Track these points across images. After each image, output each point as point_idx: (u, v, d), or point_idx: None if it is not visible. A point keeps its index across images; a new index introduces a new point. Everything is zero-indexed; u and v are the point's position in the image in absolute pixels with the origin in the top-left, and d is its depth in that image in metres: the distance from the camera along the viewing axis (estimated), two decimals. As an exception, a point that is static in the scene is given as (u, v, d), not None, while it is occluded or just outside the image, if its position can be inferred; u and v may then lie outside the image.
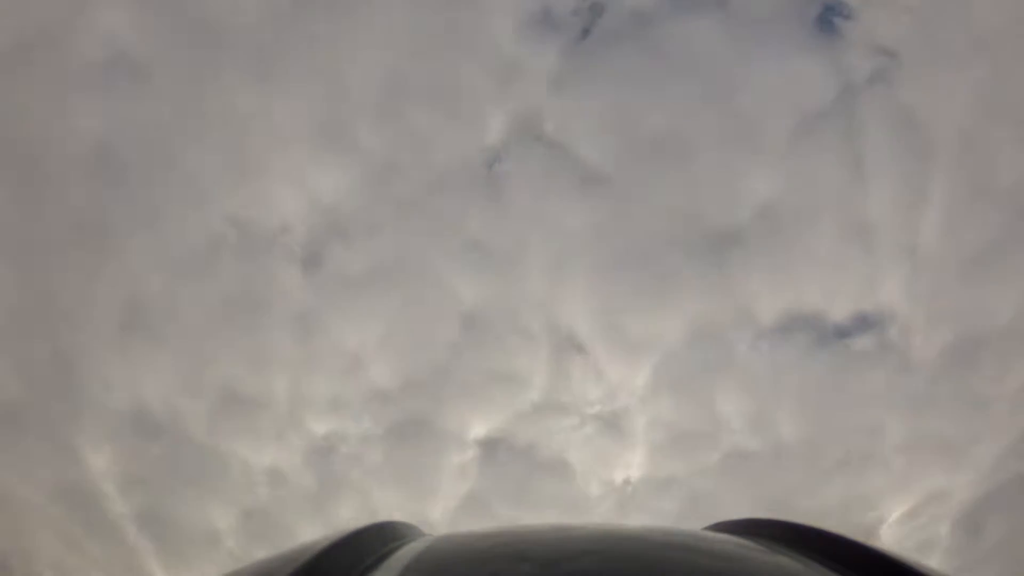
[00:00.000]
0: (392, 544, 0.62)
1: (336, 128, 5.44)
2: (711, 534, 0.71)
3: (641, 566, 0.56)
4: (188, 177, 5.39)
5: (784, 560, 0.58)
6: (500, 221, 6.71)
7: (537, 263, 7.38)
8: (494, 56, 5.38)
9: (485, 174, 5.92)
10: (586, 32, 5.37)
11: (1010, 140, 9.71)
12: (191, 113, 5.24)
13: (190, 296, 6.17)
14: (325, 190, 5.72)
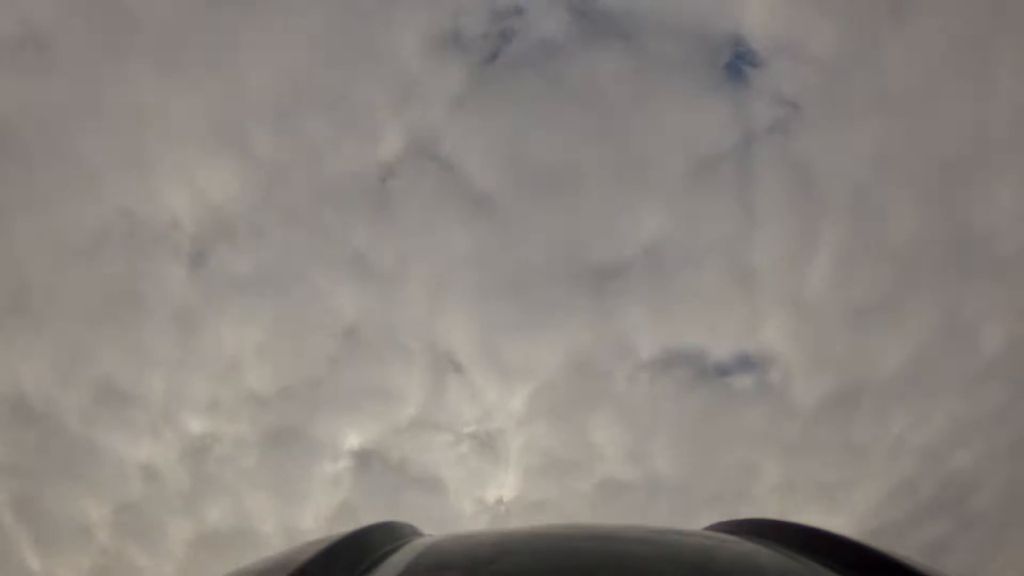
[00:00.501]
0: (392, 544, 0.62)
1: (232, 129, 5.35)
2: (711, 534, 0.72)
3: (642, 566, 0.58)
4: (82, 164, 5.27)
5: (784, 560, 0.59)
6: (387, 237, 6.67)
7: (421, 281, 7.33)
8: (397, 72, 5.34)
9: (377, 188, 5.87)
10: (493, 57, 5.34)
11: (902, 199, 9.93)
12: (91, 100, 5.14)
13: (74, 284, 6.03)
14: (216, 190, 5.62)
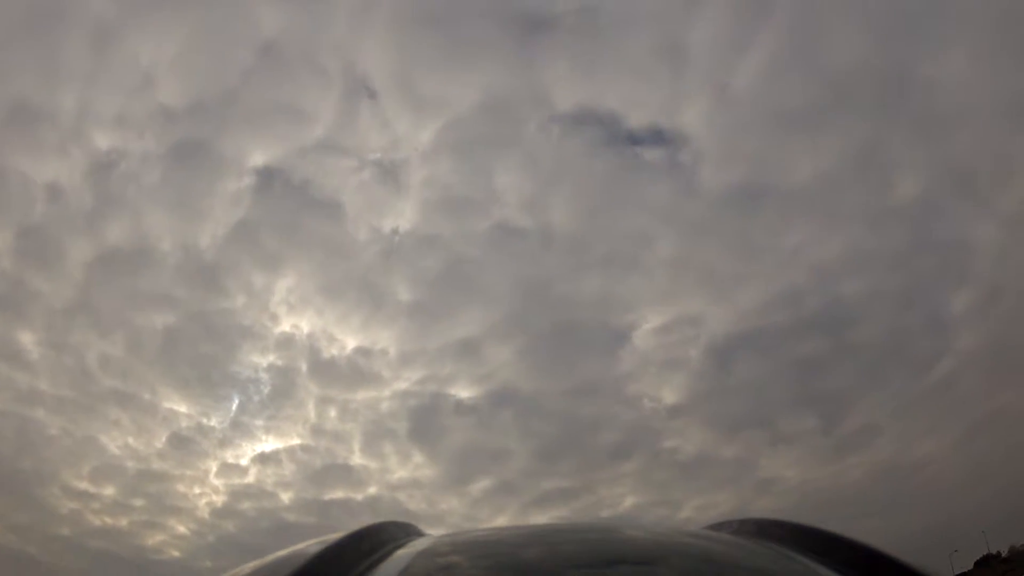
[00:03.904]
0: (392, 544, 0.61)
1: None
2: (711, 534, 0.70)
3: (642, 565, 0.56)
4: None
5: (784, 560, 0.58)
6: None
7: (346, 1, 6.99)
8: None
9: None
10: None
11: (849, 22, 10.04)
12: None
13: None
14: None
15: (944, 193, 26.76)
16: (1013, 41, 22.60)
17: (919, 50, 26.18)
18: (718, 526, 0.72)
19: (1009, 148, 24.71)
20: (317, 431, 27.19)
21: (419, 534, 0.68)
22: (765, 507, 27.63)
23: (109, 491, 25.64)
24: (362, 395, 26.96)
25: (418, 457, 28.59)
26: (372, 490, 26.76)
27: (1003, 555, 19.78)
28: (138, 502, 25.94)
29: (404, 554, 0.58)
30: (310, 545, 0.55)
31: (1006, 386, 25.90)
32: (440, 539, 0.64)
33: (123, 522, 25.51)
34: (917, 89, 25.26)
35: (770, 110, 25.33)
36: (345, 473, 26.98)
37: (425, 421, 27.93)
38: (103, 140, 23.42)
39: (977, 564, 20.15)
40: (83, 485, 25.33)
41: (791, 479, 28.22)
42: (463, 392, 27.09)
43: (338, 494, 26.94)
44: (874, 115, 26.35)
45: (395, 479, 26.89)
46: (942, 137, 25.92)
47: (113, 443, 25.71)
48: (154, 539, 25.73)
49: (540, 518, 26.86)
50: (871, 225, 27.47)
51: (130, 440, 25.77)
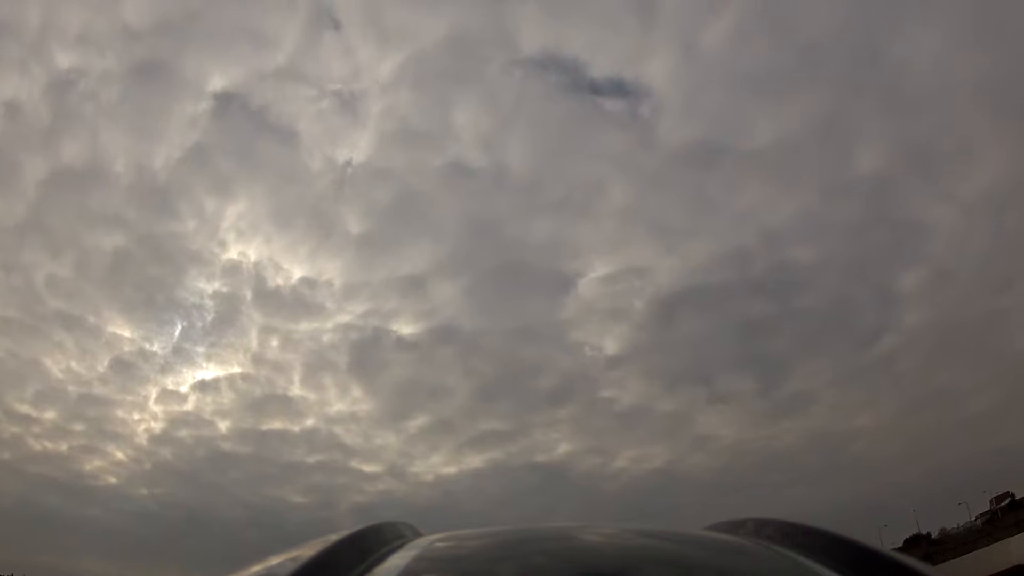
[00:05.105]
0: (392, 544, 0.61)
1: None
2: (711, 534, 0.70)
3: (641, 565, 0.56)
4: None
5: (784, 560, 0.58)
6: None
7: None
8: None
9: None
10: None
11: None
12: None
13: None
14: None
15: (904, 172, 27.08)
16: (986, 27, 22.67)
17: (892, 28, 26.25)
18: (717, 526, 0.73)
19: (973, 134, 24.98)
20: (258, 360, 27.20)
21: (419, 534, 0.68)
22: (699, 464, 28.11)
23: (50, 415, 25.49)
24: (304, 326, 27.02)
25: (357, 391, 28.74)
26: (310, 422, 26.91)
27: (933, 536, 20.31)
28: (78, 427, 25.81)
29: (403, 555, 0.58)
30: (308, 547, 0.56)
31: (946, 368, 26.58)
32: (439, 539, 0.65)
33: (63, 447, 25.34)
34: (886, 66, 25.34)
35: (735, 72, 25.28)
36: (284, 404, 27.12)
37: (366, 355, 28.04)
38: (64, 58, 22.84)
39: (907, 542, 20.73)
40: (25, 409, 25.12)
41: (726, 437, 28.87)
42: (405, 328, 27.22)
43: (276, 425, 27.12)
44: (840, 88, 26.47)
45: (333, 412, 27.03)
46: (907, 117, 26.14)
47: (56, 366, 25.45)
48: (92, 464, 25.60)
49: (475, 459, 27.04)
50: (827, 195, 27.72)
51: (73, 364, 25.51)
